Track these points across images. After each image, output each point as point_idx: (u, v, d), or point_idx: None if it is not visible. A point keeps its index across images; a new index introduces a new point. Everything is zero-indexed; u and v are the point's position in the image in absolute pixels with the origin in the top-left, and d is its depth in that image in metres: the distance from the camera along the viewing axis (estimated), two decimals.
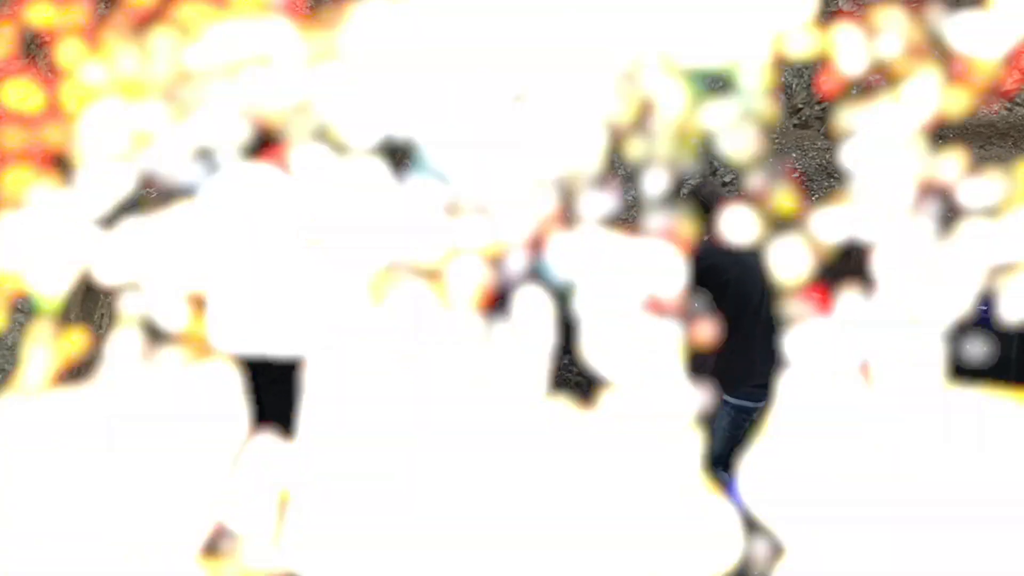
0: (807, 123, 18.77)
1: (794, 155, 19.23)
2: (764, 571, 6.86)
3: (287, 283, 7.16)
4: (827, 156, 19.31)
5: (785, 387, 6.88)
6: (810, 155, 19.07)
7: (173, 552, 6.85)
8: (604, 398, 10.00)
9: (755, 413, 6.88)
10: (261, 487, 6.95)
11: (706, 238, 7.36)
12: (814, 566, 6.98)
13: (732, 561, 6.65)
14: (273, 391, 7.70)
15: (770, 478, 8.23)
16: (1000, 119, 18.76)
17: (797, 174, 18.85)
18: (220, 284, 7.14)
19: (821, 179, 19.30)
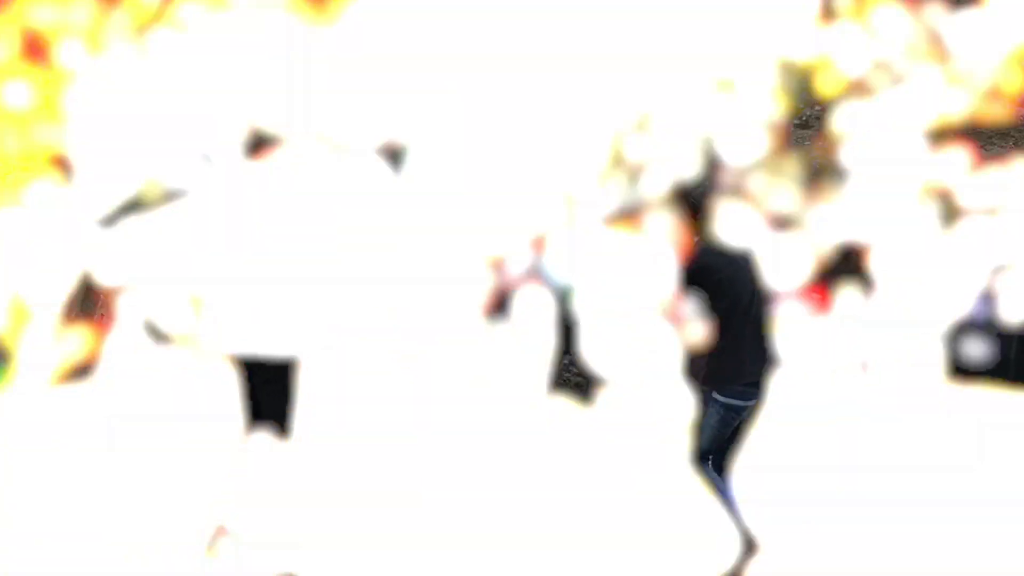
0: (807, 123, 18.77)
1: (795, 155, 19.24)
2: (740, 565, 6.85)
3: (283, 283, 7.13)
4: (828, 156, 19.31)
5: (775, 386, 6.87)
6: (811, 155, 19.08)
7: (173, 552, 6.83)
8: (603, 398, 9.89)
9: (744, 412, 6.89)
10: (258, 486, 6.93)
11: (698, 239, 7.34)
12: (799, 561, 6.96)
13: (729, 560, 6.65)
14: (268, 391, 7.73)
15: (760, 475, 8.17)
16: (1001, 119, 18.78)
17: (798, 173, 18.84)
18: (217, 284, 7.11)
19: (822, 179, 19.31)
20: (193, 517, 8.41)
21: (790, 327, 13.62)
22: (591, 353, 14.80)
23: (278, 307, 7.69)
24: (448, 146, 19.19)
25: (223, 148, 14.90)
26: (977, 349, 17.49)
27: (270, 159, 7.83)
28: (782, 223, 19.15)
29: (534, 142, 19.50)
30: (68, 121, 14.90)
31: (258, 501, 7.66)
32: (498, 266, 20.65)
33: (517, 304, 18.27)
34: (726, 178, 18.03)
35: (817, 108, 18.50)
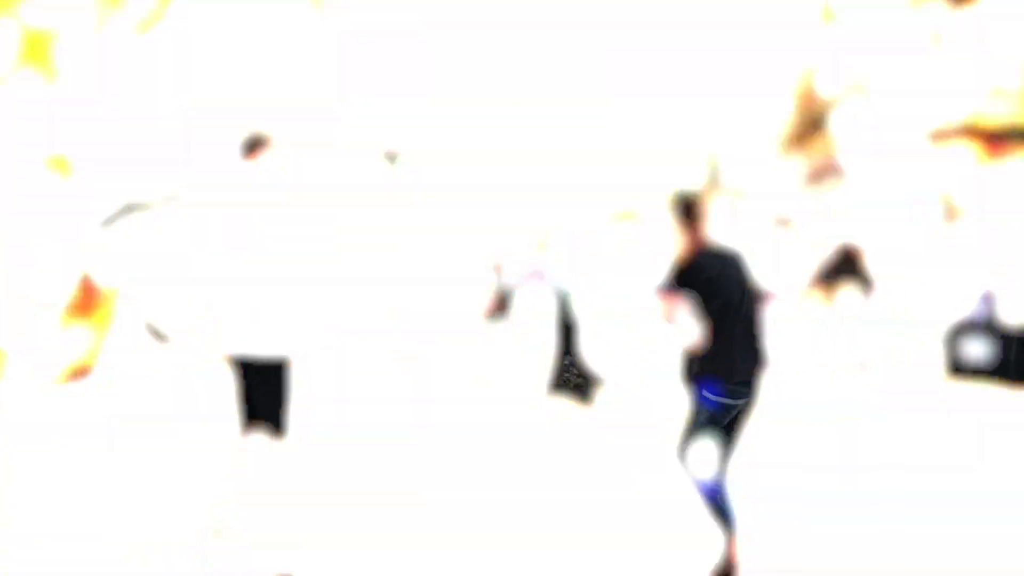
0: (808, 124, 18.76)
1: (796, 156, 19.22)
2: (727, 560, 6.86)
3: (279, 283, 7.13)
4: (829, 157, 19.30)
5: (765, 385, 6.88)
6: (811, 155, 19.06)
7: (172, 552, 6.82)
8: (603, 398, 9.87)
9: (735, 410, 6.94)
10: (258, 486, 6.93)
11: (693, 240, 7.42)
12: (794, 559, 6.96)
13: (719, 558, 6.65)
14: (263, 390, 7.75)
15: (752, 473, 8.13)
16: (1002, 119, 18.77)
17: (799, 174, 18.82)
18: (214, 285, 7.09)
19: (822, 180, 19.29)
20: (193, 517, 8.42)
21: (781, 326, 13.64)
22: (591, 353, 14.79)
23: (275, 307, 7.70)
24: (448, 147, 19.21)
25: (220, 148, 14.91)
26: (977, 349, 17.48)
27: (266, 159, 7.84)
28: (782, 223, 19.15)
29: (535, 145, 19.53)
30: (67, 121, 14.91)
31: (258, 501, 7.66)
32: (498, 266, 20.67)
33: (517, 304, 18.27)
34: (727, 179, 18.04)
35: (818, 109, 18.50)
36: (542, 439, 11.83)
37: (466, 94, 19.34)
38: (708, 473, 7.08)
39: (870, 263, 18.26)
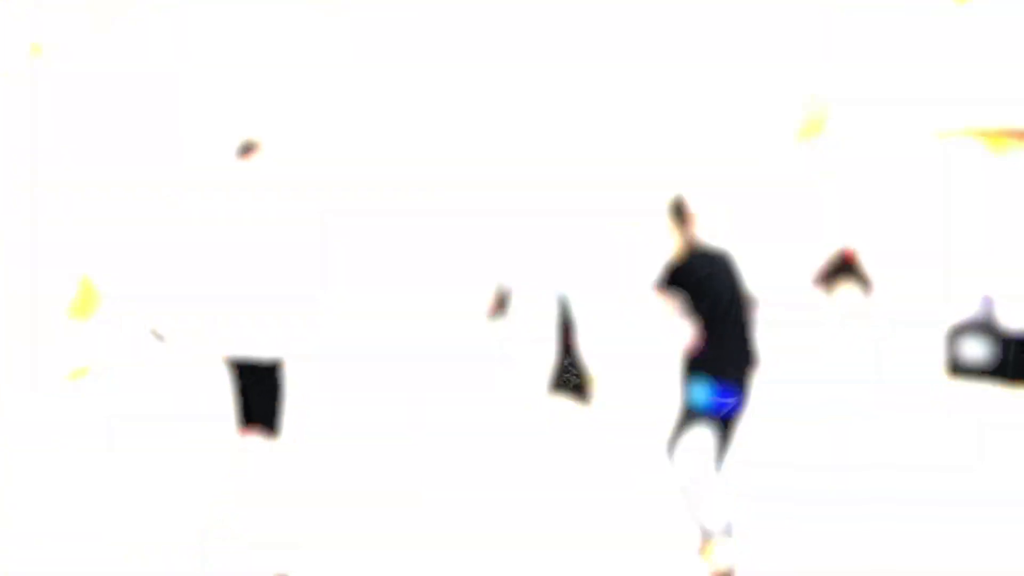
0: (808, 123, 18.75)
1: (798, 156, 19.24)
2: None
3: (275, 284, 7.13)
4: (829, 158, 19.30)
5: (756, 384, 6.90)
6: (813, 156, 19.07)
7: (171, 551, 6.82)
8: (603, 398, 9.86)
9: (724, 409, 7.02)
10: (258, 486, 6.93)
11: (683, 241, 7.49)
12: (791, 558, 6.96)
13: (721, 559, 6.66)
14: (258, 391, 7.78)
15: (752, 473, 8.12)
16: (1003, 121, 18.78)
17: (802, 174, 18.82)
18: (212, 286, 7.10)
19: (823, 180, 19.30)
20: (193, 517, 8.42)
21: (773, 327, 13.65)
22: (591, 353, 14.80)
23: (273, 307, 7.70)
24: (447, 146, 19.20)
25: (215, 151, 14.90)
26: (976, 349, 17.48)
27: (260, 161, 7.85)
28: (782, 225, 19.15)
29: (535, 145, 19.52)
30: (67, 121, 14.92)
31: (258, 501, 7.67)
32: (500, 267, 20.66)
33: (517, 304, 18.28)
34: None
35: (818, 109, 18.48)
36: (542, 439, 11.83)
37: (466, 94, 19.36)
38: (695, 467, 7.12)
39: (870, 263, 18.27)
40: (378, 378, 15.89)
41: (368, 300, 17.56)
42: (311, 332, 7.29)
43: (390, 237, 18.31)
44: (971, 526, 8.55)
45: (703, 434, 6.95)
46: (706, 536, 7.06)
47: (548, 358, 14.68)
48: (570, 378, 14.29)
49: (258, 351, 7.46)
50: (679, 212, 7.27)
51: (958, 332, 17.34)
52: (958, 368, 17.16)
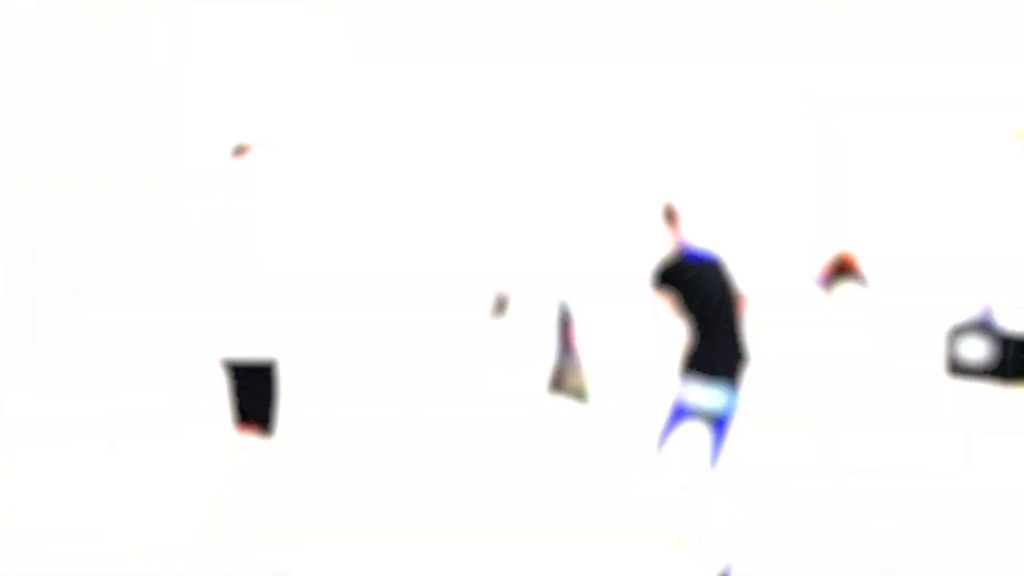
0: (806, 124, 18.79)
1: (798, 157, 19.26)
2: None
3: (272, 284, 7.14)
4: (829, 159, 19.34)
5: (748, 384, 6.93)
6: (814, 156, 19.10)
7: (171, 551, 6.83)
8: (603, 398, 9.87)
9: (715, 407, 7.08)
10: (258, 486, 6.94)
11: (676, 242, 7.57)
12: (789, 558, 6.98)
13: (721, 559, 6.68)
14: (255, 391, 7.82)
15: (751, 473, 8.13)
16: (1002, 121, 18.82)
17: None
18: (209, 286, 7.12)
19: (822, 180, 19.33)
20: (193, 517, 8.43)
21: (760, 327, 13.69)
22: (591, 351, 14.82)
23: (271, 308, 7.72)
24: (448, 146, 19.23)
25: (215, 151, 14.94)
26: (976, 349, 17.50)
27: (257, 162, 7.86)
28: (781, 225, 19.16)
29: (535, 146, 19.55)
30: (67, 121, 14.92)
31: (258, 501, 7.67)
32: (501, 266, 20.68)
33: (517, 304, 18.29)
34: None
35: (818, 110, 18.50)
36: (542, 439, 11.85)
37: (465, 95, 19.38)
38: (693, 467, 7.17)
39: (870, 263, 18.29)
40: (377, 378, 15.91)
41: (368, 300, 17.57)
42: (310, 332, 7.32)
43: (390, 237, 18.32)
44: (969, 526, 8.56)
45: (700, 432, 6.99)
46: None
47: (548, 358, 14.70)
48: (570, 378, 14.31)
49: (254, 351, 7.47)
50: (670, 214, 7.37)
51: (958, 332, 17.36)
52: (958, 368, 17.18)
